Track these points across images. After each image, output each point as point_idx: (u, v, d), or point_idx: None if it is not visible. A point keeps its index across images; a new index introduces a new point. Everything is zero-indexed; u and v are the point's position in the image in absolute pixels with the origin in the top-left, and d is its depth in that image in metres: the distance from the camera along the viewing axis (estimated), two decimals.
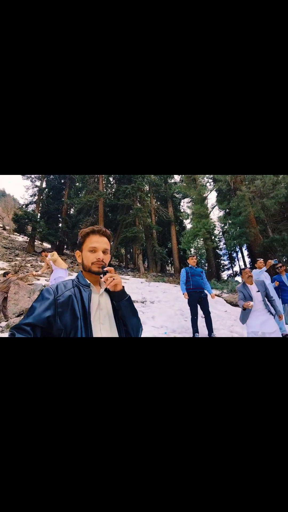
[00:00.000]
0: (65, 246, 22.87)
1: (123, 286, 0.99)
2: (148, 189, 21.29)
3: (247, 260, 20.72)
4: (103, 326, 0.95)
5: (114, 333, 0.96)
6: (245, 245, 17.45)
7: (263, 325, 3.11)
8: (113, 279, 0.93)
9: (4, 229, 29.36)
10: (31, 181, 22.45)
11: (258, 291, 3.29)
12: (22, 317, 5.21)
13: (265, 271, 4.92)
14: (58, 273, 5.74)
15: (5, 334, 4.16)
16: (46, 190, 22.79)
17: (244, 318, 3.24)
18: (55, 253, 5.81)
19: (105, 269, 0.95)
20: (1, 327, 4.69)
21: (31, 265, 13.62)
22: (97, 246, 1.00)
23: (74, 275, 10.93)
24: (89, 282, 1.02)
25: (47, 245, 24.68)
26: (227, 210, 16.31)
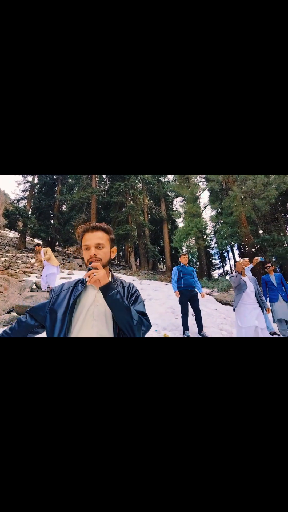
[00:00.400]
0: (57, 243, 22.63)
1: (110, 281, 0.98)
2: (141, 187, 21.27)
3: (238, 259, 21.03)
4: (96, 322, 0.96)
5: (110, 330, 0.97)
6: (236, 245, 17.70)
7: (258, 319, 3.20)
8: (94, 274, 0.92)
9: None
10: (22, 176, 22.05)
11: (251, 282, 3.41)
12: (12, 313, 5.15)
13: (250, 269, 5.04)
14: (50, 269, 5.71)
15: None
16: (38, 185, 22.44)
17: (236, 300, 3.35)
18: (49, 249, 5.79)
19: (90, 265, 0.96)
20: None
21: (21, 262, 13.42)
22: (89, 244, 1.03)
23: (65, 272, 10.82)
24: (87, 279, 1.04)
25: (38, 241, 24.33)
26: (219, 209, 16.49)
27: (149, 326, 1.01)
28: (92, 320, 0.97)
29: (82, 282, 1.07)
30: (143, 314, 1.02)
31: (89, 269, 0.94)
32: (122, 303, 0.96)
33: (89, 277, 0.93)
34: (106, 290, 0.95)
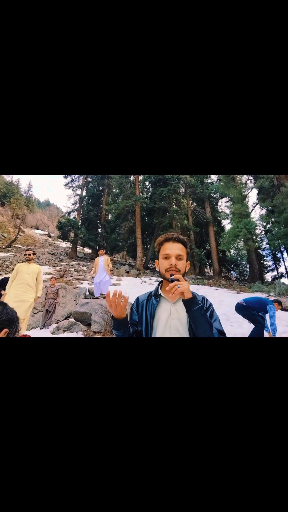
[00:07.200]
0: (105, 251, 23.75)
1: (194, 295, 0.95)
2: (184, 191, 21.06)
3: None
4: (176, 336, 0.96)
5: None
6: None
7: None
8: (177, 287, 0.89)
9: (49, 236, 31.64)
10: (72, 190, 23.87)
11: None
12: (70, 319, 5.50)
13: None
14: (105, 277, 6.06)
15: (60, 335, 4.43)
16: (86, 197, 23.95)
17: None
18: (109, 258, 6.22)
19: (172, 277, 0.93)
20: (52, 328, 5.02)
21: (74, 270, 14.40)
22: (169, 253, 1.01)
23: (114, 278, 11.15)
24: (160, 292, 1.06)
25: (88, 250, 25.88)
26: (270, 208, 15.33)
27: None
28: (170, 334, 0.97)
29: (155, 295, 1.07)
30: (221, 333, 0.96)
31: (171, 281, 0.92)
32: (206, 318, 0.93)
33: (171, 289, 0.90)
34: (191, 304, 0.92)
